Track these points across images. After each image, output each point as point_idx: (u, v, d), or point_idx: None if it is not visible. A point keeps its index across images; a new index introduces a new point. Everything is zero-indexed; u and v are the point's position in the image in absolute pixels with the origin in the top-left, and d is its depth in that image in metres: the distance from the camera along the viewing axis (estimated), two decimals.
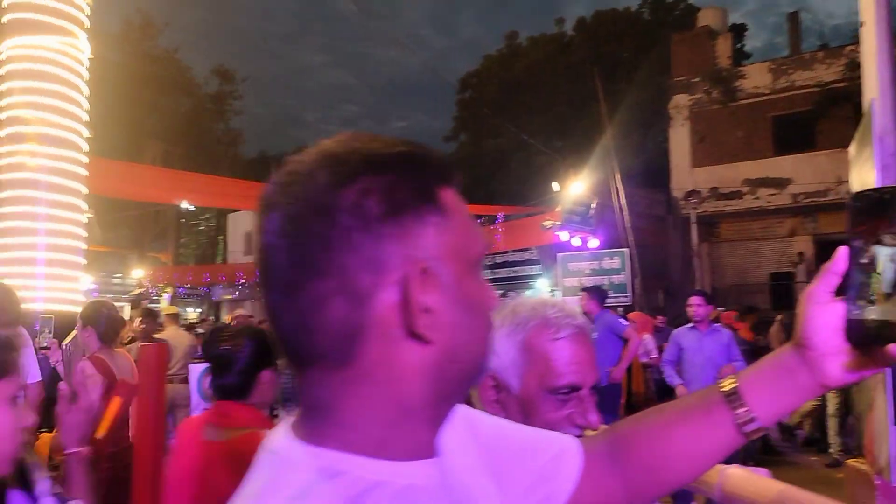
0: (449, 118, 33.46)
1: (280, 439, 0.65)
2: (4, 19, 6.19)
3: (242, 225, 32.23)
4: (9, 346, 1.25)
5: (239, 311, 6.23)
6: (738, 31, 26.65)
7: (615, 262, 12.70)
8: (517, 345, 1.18)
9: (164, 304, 22.70)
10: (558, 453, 0.86)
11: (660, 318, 11.34)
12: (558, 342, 1.17)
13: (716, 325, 6.19)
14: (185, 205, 23.98)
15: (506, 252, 17.97)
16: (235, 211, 30.92)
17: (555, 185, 14.90)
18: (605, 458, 0.86)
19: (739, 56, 24.44)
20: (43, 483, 1.43)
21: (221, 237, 36.26)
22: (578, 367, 1.16)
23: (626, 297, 12.47)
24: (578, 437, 1.10)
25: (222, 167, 31.59)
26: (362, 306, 0.59)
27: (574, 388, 1.15)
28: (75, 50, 6.33)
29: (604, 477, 0.85)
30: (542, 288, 17.12)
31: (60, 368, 4.82)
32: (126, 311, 23.50)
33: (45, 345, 5.08)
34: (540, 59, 27.60)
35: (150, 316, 6.14)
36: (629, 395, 8.53)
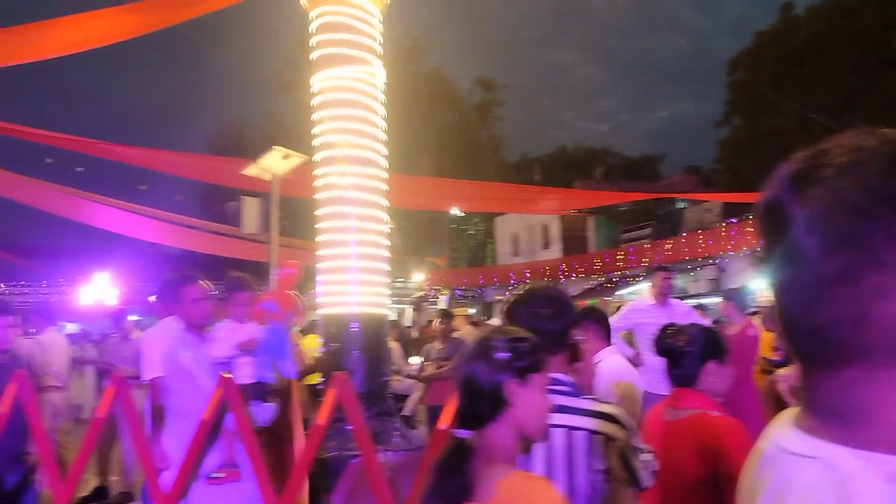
0: (717, 102, 31.72)
1: (799, 441, 0.64)
2: (314, 56, 6.99)
3: (509, 227, 33.26)
4: (541, 348, 1.63)
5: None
6: None
7: None
8: None
9: (441, 306, 24.13)
10: None
11: None
12: None
13: None
14: (455, 211, 25.37)
15: None
16: (502, 214, 31.99)
17: None
18: None
19: None
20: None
21: (490, 240, 37.73)
22: None
23: None
24: None
25: (488, 173, 32.85)
26: None
27: None
28: (371, 76, 6.95)
29: None
30: None
31: None
32: (408, 313, 25.28)
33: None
34: (821, 30, 24.93)
35: (448, 317, 6.58)
36: None
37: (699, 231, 21.73)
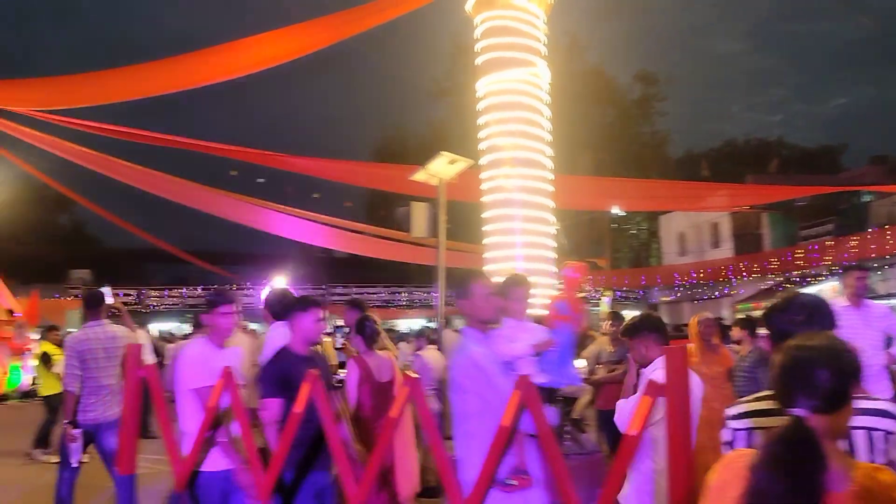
0: None
1: None
2: (479, 61, 7.09)
3: (675, 226, 31.98)
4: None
5: (706, 314, 6.09)
6: None
7: None
8: None
9: (603, 308, 23.64)
10: None
11: None
12: None
13: None
14: (616, 210, 24.74)
15: None
16: (667, 212, 30.84)
17: None
18: None
19: None
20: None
21: (654, 240, 36.50)
22: None
23: None
24: None
25: (651, 170, 31.84)
26: None
27: None
28: (536, 78, 6.95)
29: None
30: None
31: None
32: None
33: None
34: None
35: (618, 319, 6.44)
36: None
37: (888, 226, 19.95)
